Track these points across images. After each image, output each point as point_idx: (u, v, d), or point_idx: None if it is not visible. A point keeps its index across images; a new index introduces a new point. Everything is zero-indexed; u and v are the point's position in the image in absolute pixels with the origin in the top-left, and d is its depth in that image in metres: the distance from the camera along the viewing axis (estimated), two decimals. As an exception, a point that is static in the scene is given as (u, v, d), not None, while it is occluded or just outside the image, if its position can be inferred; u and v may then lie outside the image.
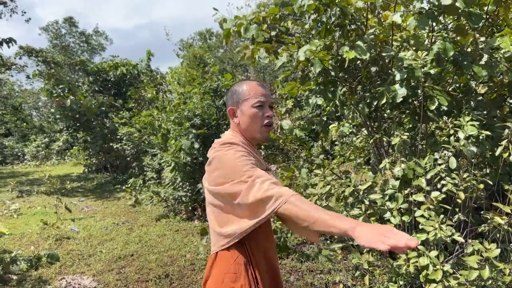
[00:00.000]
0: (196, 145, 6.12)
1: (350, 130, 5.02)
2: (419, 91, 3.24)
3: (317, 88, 3.57)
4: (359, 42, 3.17)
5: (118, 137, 11.22)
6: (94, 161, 13.72)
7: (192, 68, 11.65)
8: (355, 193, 2.86)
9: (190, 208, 6.35)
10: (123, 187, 8.80)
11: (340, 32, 3.64)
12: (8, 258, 3.92)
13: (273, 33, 3.78)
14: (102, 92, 14.24)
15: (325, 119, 3.94)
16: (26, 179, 12.98)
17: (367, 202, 2.86)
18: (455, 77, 3.51)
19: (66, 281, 3.75)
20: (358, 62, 3.61)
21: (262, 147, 4.37)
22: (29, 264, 4.00)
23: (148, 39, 62.59)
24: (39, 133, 23.24)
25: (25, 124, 25.84)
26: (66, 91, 12.15)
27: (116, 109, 12.88)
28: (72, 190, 10.01)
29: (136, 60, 15.47)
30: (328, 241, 4.39)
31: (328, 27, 3.60)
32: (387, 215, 2.85)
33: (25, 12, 16.57)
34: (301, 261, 3.95)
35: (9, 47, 13.09)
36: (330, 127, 4.82)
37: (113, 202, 8.29)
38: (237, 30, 3.74)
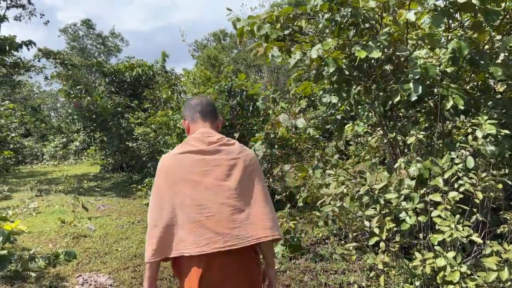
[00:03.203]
0: (210, 145, 6.15)
1: (365, 130, 4.97)
2: (435, 90, 3.20)
3: (331, 87, 3.55)
4: (370, 42, 3.14)
5: (134, 137, 11.35)
6: (110, 161, 13.90)
7: (207, 69, 11.72)
8: (370, 192, 2.84)
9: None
10: (139, 187, 8.90)
11: (354, 31, 3.62)
12: (26, 255, 4.01)
13: (286, 32, 3.77)
14: (118, 93, 14.42)
15: (339, 118, 3.92)
16: (45, 179, 13.24)
17: (382, 202, 2.83)
18: (472, 75, 3.44)
19: (83, 278, 3.81)
20: (373, 60, 3.57)
21: (276, 146, 4.37)
22: (47, 262, 4.08)
23: (164, 41, 63.32)
24: (57, 133, 23.68)
25: (43, 124, 26.37)
26: (83, 92, 12.35)
27: (132, 109, 13.03)
28: (89, 189, 10.17)
29: (152, 62, 15.63)
30: (343, 241, 4.37)
31: (342, 26, 3.58)
32: (403, 215, 2.82)
33: (43, 15, 16.93)
34: (315, 261, 3.93)
35: (28, 49, 13.43)
36: (345, 126, 4.78)
37: (129, 201, 8.39)
38: (250, 29, 3.75)
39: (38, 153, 21.53)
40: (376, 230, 2.86)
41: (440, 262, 2.55)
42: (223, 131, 6.24)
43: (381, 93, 3.38)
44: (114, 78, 14.50)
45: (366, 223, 3.08)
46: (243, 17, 3.92)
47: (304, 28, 3.98)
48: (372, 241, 2.93)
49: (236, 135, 6.29)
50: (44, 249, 4.64)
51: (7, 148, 16.21)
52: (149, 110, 11.77)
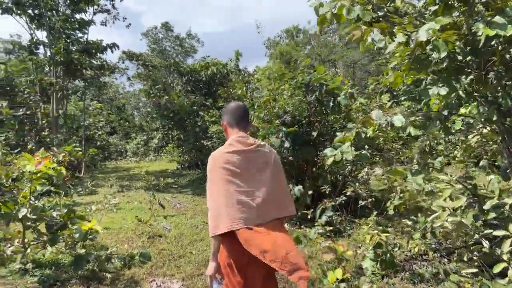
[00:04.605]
0: (287, 144, 5.76)
1: (460, 127, 4.24)
2: None
3: (438, 76, 2.94)
4: (497, 18, 2.50)
5: (209, 135, 11.40)
6: (187, 158, 14.23)
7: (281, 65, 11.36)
8: (500, 208, 2.22)
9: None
10: (213, 185, 8.84)
11: (465, 8, 2.97)
12: (104, 255, 3.96)
13: (380, 13, 3.24)
14: (194, 92, 14.67)
15: (445, 113, 3.27)
16: (127, 174, 13.93)
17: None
18: None
19: (156, 283, 3.64)
20: (493, 43, 2.89)
21: (366, 147, 3.85)
22: (122, 263, 4.00)
23: (237, 41, 64.43)
24: (139, 131, 25.09)
25: (127, 123, 28.16)
26: (162, 91, 12.74)
27: (207, 108, 13.15)
28: (166, 186, 10.40)
29: (225, 61, 15.69)
30: (446, 259, 3.70)
31: (449, 2, 2.96)
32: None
33: (125, 18, 17.93)
34: (413, 282, 3.34)
35: (112, 51, 14.19)
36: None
37: (203, 199, 8.35)
38: (337, 13, 3.26)
39: (122, 150, 22.98)
40: (505, 256, 2.24)
41: None
42: (301, 131, 5.83)
43: (508, 82, 2.70)
44: (190, 78, 14.77)
45: (485, 243, 2.46)
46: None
47: (401, 9, 3.41)
48: (499, 268, 2.31)
49: (314, 133, 5.82)
50: (120, 249, 4.60)
51: (94, 145, 17.42)
52: (223, 108, 11.75)
